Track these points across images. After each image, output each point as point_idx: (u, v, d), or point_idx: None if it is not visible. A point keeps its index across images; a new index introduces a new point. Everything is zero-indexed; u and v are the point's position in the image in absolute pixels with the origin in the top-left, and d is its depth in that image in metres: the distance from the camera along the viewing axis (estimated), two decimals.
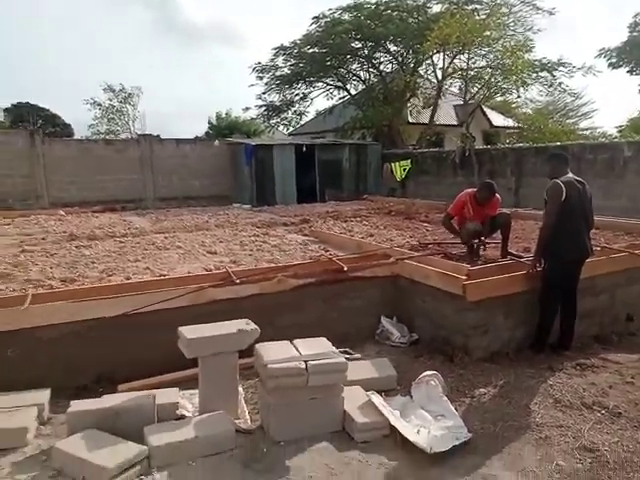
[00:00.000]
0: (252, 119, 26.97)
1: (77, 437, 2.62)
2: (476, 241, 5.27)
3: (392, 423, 2.87)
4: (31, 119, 28.56)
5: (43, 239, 6.78)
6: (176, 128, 40.55)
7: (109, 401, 2.91)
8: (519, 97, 17.69)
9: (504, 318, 4.08)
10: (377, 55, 19.83)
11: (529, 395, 3.36)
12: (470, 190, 5.32)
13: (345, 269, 4.34)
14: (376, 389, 3.30)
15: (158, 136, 17.87)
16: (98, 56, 59.09)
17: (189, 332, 2.96)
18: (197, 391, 3.32)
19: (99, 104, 30.71)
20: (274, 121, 22.77)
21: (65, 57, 63.30)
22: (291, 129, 24.76)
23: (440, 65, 17.82)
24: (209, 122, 33.05)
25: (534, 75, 16.06)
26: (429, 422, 2.98)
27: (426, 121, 18.99)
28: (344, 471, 2.58)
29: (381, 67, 20.08)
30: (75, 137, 27.82)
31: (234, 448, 2.76)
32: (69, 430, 2.76)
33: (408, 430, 2.84)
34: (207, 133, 32.24)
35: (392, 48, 19.09)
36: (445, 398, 3.18)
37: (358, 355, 3.43)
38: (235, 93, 61.59)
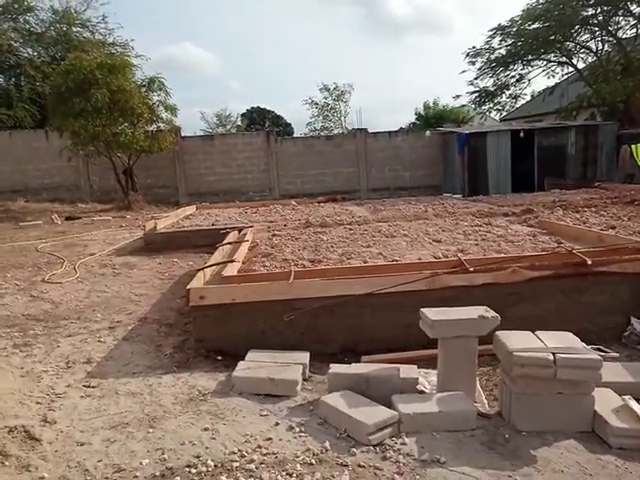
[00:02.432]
0: (462, 106, 26.24)
1: (337, 394, 3.05)
2: None
3: None
4: (267, 122, 32.73)
5: (285, 225, 7.87)
6: (381, 120, 42.06)
7: (360, 369, 3.30)
8: None
9: None
10: (615, 20, 17.22)
11: None
12: None
13: (589, 262, 4.02)
14: (630, 395, 3.02)
15: (366, 130, 18.81)
16: (311, 56, 64.68)
17: (432, 314, 3.15)
18: (431, 370, 3.52)
19: (316, 103, 33.62)
20: (486, 107, 21.80)
21: (284, 60, 71.18)
22: (504, 114, 23.31)
23: None
24: (416, 113, 33.19)
25: None
26: None
27: None
28: (600, 473, 2.45)
29: (619, 34, 17.37)
30: (294, 135, 30.98)
31: (475, 429, 2.85)
32: (329, 388, 3.21)
33: None
34: (414, 124, 32.45)
35: (636, 10, 16.36)
36: None
37: (615, 354, 3.16)
38: (441, 82, 60.70)
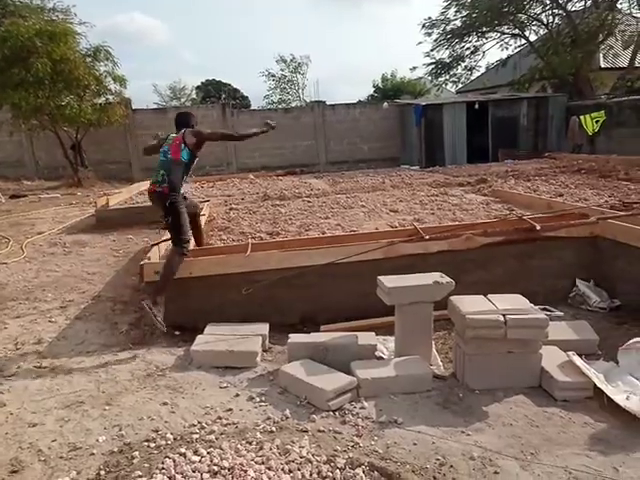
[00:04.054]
0: (419, 79, 26.35)
1: (297, 364, 3.07)
2: None
3: (598, 385, 2.77)
4: (223, 94, 31.77)
5: (242, 199, 7.75)
6: (340, 93, 41.77)
7: (319, 337, 3.33)
8: None
9: None
10: None
11: None
12: None
13: (537, 228, 4.16)
14: (574, 351, 3.18)
15: (324, 102, 18.63)
16: (268, 28, 63.04)
17: (389, 281, 3.19)
18: (389, 337, 3.59)
19: (273, 75, 32.90)
20: (442, 79, 21.91)
21: (239, 32, 69.05)
22: (460, 86, 23.55)
23: None
24: (374, 85, 33.07)
25: None
26: None
27: (625, 64, 16.40)
28: (546, 424, 2.59)
29: (568, 7, 17.73)
30: (252, 108, 30.28)
31: (431, 390, 2.95)
32: (289, 357, 3.24)
33: (617, 394, 2.71)
34: (372, 96, 32.36)
35: None
36: None
37: (560, 313, 3.32)
38: (399, 54, 60.60)
